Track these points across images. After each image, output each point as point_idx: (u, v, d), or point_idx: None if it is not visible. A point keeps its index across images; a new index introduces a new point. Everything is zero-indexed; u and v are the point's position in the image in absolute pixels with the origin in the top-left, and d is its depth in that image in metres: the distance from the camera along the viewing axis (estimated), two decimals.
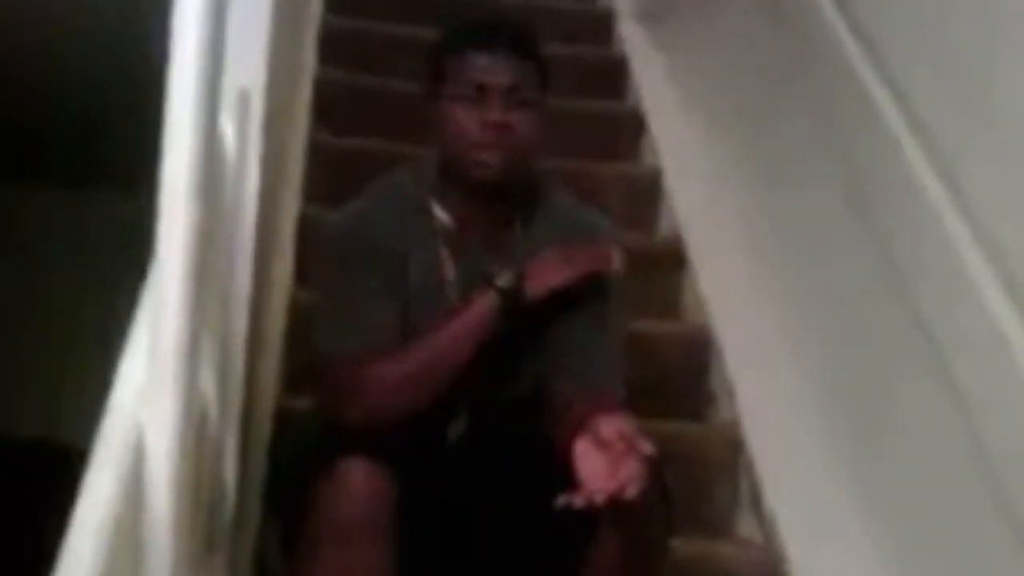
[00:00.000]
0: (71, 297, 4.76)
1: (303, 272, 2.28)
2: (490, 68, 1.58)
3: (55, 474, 2.05)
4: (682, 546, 1.95)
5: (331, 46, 3.01)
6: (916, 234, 1.81)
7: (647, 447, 1.34)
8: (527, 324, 1.59)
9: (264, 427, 1.93)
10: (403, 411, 1.51)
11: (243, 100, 1.64)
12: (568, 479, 1.41)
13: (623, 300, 1.72)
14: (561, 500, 1.33)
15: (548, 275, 1.55)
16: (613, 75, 3.23)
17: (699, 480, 2.16)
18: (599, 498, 1.32)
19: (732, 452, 2.18)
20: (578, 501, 1.32)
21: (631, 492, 1.31)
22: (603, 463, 1.35)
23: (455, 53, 1.61)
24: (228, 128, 1.56)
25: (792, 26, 2.33)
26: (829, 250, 2.18)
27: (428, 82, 1.63)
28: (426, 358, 1.53)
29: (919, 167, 1.80)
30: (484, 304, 1.54)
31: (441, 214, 1.64)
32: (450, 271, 1.62)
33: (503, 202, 1.64)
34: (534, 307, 1.56)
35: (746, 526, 2.14)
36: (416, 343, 1.54)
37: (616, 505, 1.32)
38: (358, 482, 1.40)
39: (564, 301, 1.58)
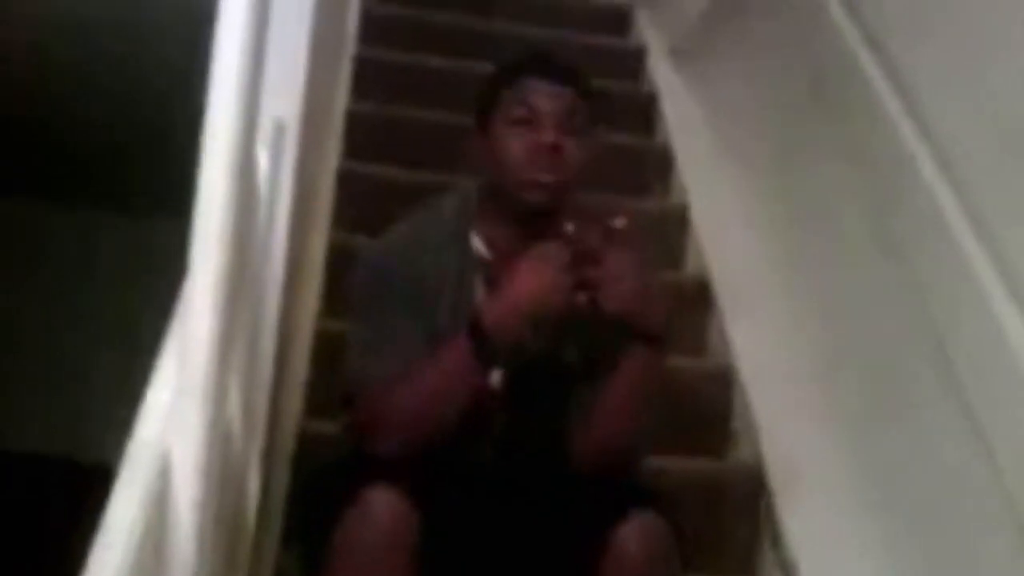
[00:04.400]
0: (99, 316, 4.80)
1: (331, 299, 2.30)
2: (545, 93, 1.62)
3: (80, 491, 2.07)
4: None
5: (364, 76, 3.04)
6: (946, 278, 1.80)
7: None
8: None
9: (287, 450, 1.94)
10: (418, 441, 1.52)
11: (278, 131, 1.66)
12: (591, 507, 1.45)
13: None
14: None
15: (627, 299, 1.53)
16: (643, 111, 3.25)
17: (720, 518, 2.16)
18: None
19: (754, 491, 2.18)
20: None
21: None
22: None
23: (511, 80, 1.65)
24: (263, 158, 1.58)
25: (826, 70, 2.33)
26: (857, 292, 2.17)
27: (481, 111, 1.67)
28: (418, 397, 1.53)
29: (951, 214, 1.80)
30: (460, 349, 1.52)
31: (479, 246, 1.65)
32: (481, 300, 1.63)
33: (544, 234, 1.66)
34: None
35: (767, 566, 2.13)
36: (409, 381, 1.53)
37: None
38: (382, 511, 1.40)
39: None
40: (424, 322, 1.59)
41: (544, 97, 1.62)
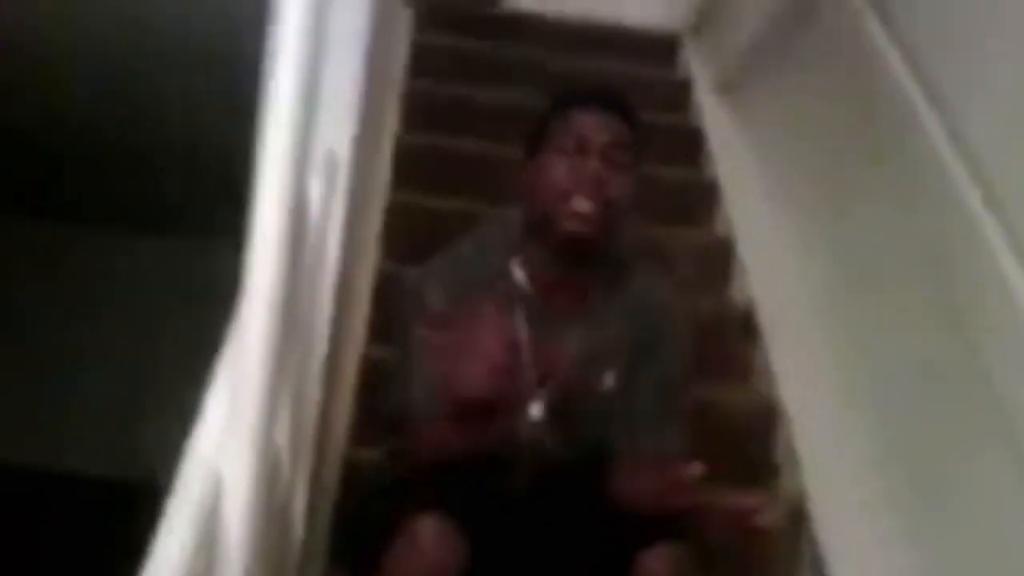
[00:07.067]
0: (150, 336, 4.87)
1: (377, 326, 2.33)
2: (593, 124, 1.65)
3: (130, 511, 2.11)
4: None
5: (413, 108, 3.09)
6: (1007, 338, 1.79)
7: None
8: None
9: (332, 477, 1.96)
10: (451, 464, 1.54)
11: (330, 161, 1.70)
12: (620, 534, 1.47)
13: (690, 364, 1.74)
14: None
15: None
16: (689, 144, 3.27)
17: (761, 549, 2.15)
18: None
19: (795, 522, 2.17)
20: None
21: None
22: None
23: (561, 110, 1.68)
24: (315, 188, 1.61)
25: (879, 113, 2.32)
26: (902, 325, 2.17)
27: (531, 140, 1.70)
28: (438, 444, 1.54)
29: (1002, 256, 1.79)
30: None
31: (520, 276, 1.67)
32: (523, 334, 1.64)
33: (586, 266, 1.67)
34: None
35: None
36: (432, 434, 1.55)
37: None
38: (430, 540, 1.42)
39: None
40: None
41: (593, 128, 1.64)
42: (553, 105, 1.71)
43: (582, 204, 1.61)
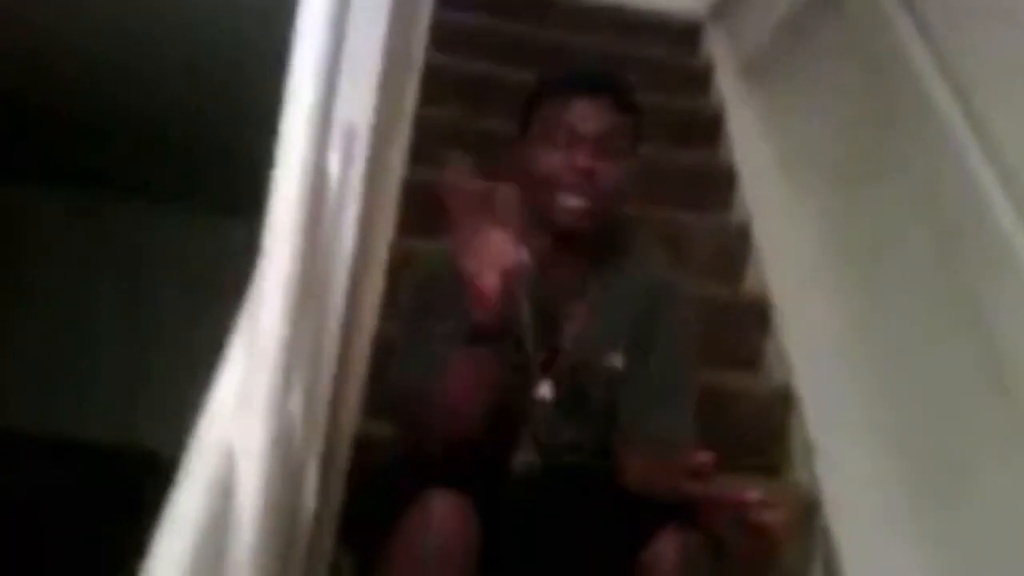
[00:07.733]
0: (163, 309, 4.89)
1: (391, 301, 2.32)
2: (583, 115, 1.61)
3: (141, 481, 2.11)
4: None
5: (433, 83, 3.08)
6: (1013, 312, 1.78)
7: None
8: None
9: (344, 453, 1.96)
10: (457, 437, 1.52)
11: (350, 134, 1.69)
12: (629, 520, 1.47)
13: (695, 345, 1.73)
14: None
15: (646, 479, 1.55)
16: (709, 128, 3.25)
17: (765, 545, 2.14)
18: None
19: (807, 513, 2.17)
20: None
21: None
22: None
23: (552, 97, 1.65)
24: (333, 160, 1.61)
25: (901, 104, 2.31)
26: (920, 320, 2.16)
27: (523, 122, 1.67)
28: (445, 395, 1.53)
29: (1022, 248, 1.78)
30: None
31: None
32: (525, 311, 1.64)
33: (583, 248, 1.66)
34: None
35: None
36: (438, 385, 1.54)
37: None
38: (443, 515, 1.42)
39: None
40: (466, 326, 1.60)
41: (584, 118, 1.61)
42: (544, 88, 1.67)
43: (572, 200, 1.60)
